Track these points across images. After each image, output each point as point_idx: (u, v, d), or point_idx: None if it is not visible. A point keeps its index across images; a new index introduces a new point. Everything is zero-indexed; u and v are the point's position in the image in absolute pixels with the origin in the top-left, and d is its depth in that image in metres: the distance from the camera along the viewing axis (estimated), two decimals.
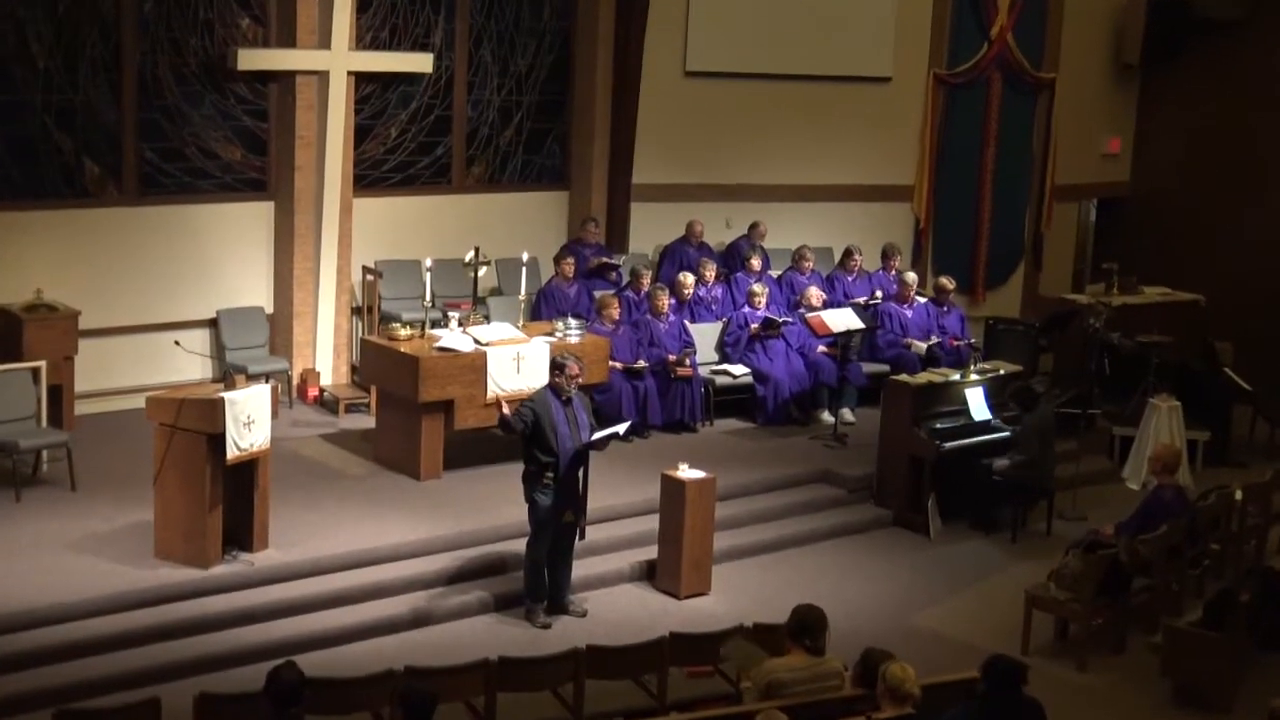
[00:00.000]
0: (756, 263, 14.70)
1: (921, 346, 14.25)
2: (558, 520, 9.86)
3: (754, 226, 15.44)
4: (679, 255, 15.19)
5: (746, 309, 14.08)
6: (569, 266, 14.12)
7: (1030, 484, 12.00)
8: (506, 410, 9.86)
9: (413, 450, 11.76)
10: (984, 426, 12.40)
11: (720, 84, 15.82)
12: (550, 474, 9.77)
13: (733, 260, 15.29)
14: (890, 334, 14.42)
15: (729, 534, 11.40)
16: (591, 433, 9.93)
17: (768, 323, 13.82)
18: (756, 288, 14.10)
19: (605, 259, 14.67)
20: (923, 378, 12.71)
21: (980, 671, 7.06)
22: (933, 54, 16.60)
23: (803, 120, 16.16)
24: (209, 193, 13.59)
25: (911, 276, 14.74)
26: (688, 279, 14.15)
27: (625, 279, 14.42)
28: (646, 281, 14.16)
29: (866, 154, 16.47)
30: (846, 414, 13.87)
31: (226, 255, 13.63)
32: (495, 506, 11.10)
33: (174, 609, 9.43)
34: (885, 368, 14.06)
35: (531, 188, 15.48)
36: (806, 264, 14.94)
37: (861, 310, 14.02)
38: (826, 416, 13.77)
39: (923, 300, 14.75)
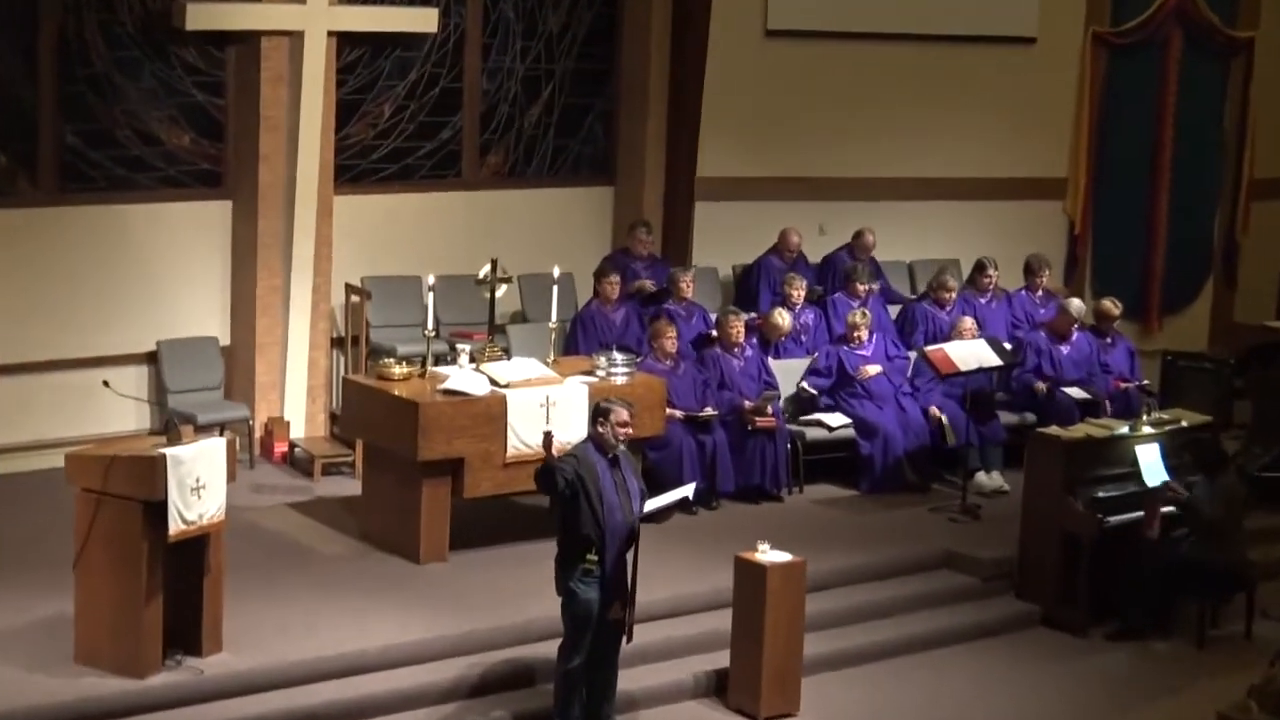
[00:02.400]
0: (863, 286, 14.63)
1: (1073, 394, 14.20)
2: (602, 618, 9.82)
3: (859, 236, 15.36)
4: (773, 273, 15.08)
5: (844, 348, 14.06)
6: (613, 286, 14.15)
7: (1217, 568, 11.89)
8: (554, 453, 9.73)
9: (410, 524, 11.78)
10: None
11: (811, 46, 15.82)
12: (594, 556, 9.73)
13: (831, 278, 15.27)
14: (1027, 373, 14.33)
15: (824, 636, 11.34)
16: (644, 501, 9.90)
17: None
18: (858, 317, 14.06)
19: (661, 285, 14.62)
20: (1079, 430, 12.64)
21: None
22: (1091, 7, 16.57)
23: (919, 94, 16.14)
24: (148, 189, 13.68)
25: (1077, 305, 14.54)
26: (784, 319, 14.11)
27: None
28: (687, 286, 14.16)
29: (1004, 138, 16.42)
30: (994, 478, 13.84)
31: (171, 270, 13.72)
32: (518, 599, 11.08)
33: None
34: (1030, 417, 14.04)
35: (565, 183, 15.52)
36: (948, 295, 14.77)
37: (1000, 345, 13.93)
38: (957, 480, 13.71)
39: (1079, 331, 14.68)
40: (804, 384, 13.92)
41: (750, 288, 15.31)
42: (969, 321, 14.14)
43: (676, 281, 14.25)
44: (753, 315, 14.41)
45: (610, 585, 9.77)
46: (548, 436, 9.73)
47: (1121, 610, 12.13)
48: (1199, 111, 16.98)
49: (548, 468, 9.60)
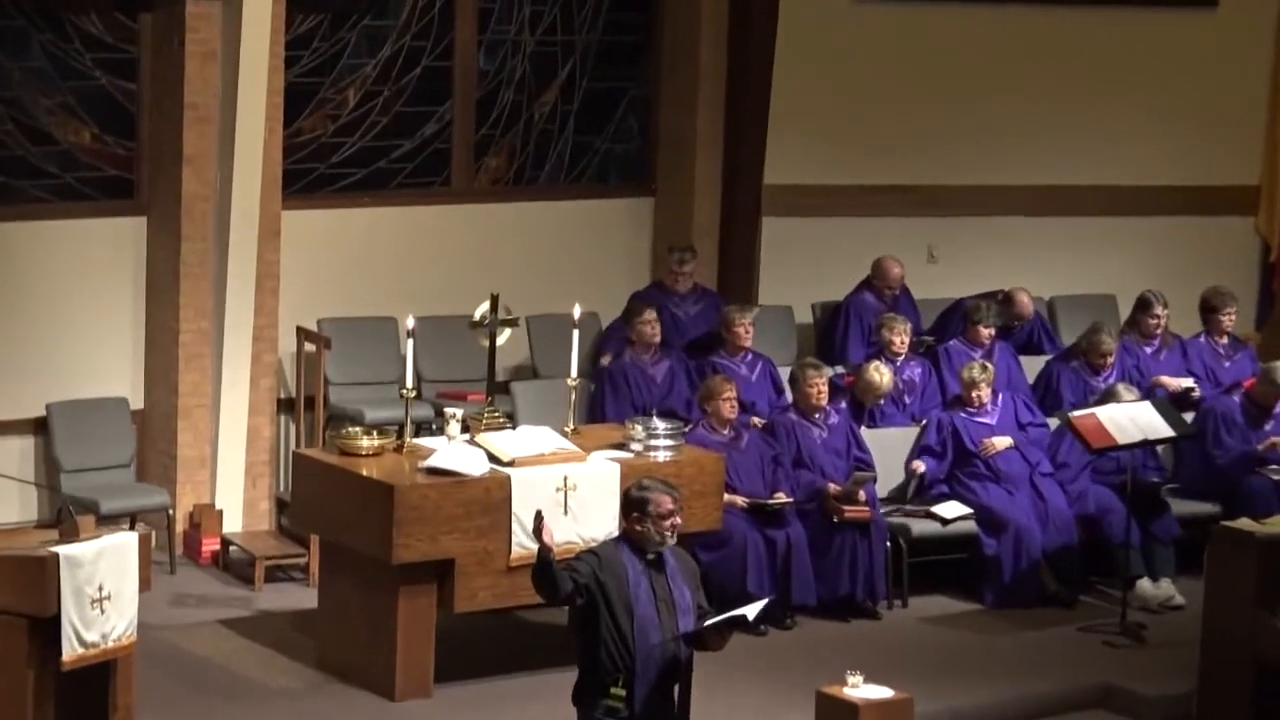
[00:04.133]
0: (987, 330, 14.62)
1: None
2: None
3: (1012, 301, 15.27)
4: (866, 316, 15.09)
5: (960, 415, 14.06)
6: (651, 326, 14.22)
7: None
8: (549, 541, 9.65)
9: (383, 648, 11.78)
10: None
11: (916, 14, 15.90)
12: (619, 690, 9.72)
13: (950, 326, 15.30)
14: (1229, 452, 14.25)
15: None
16: (699, 618, 9.88)
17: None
18: (975, 371, 14.05)
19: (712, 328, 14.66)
20: (1278, 524, 12.59)
21: None
22: None
23: (1058, 77, 16.19)
24: (39, 202, 13.76)
25: None
26: (882, 376, 14.12)
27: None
28: (744, 332, 14.23)
29: (1174, 134, 16.46)
30: (1163, 588, 13.86)
31: (67, 309, 13.78)
32: None
33: None
34: (1213, 508, 14.04)
35: (589, 193, 15.60)
36: (1104, 360, 14.73)
37: (1170, 410, 13.89)
38: (1115, 590, 13.66)
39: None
40: (918, 461, 13.93)
41: (836, 335, 15.34)
42: (1122, 386, 14.05)
43: (732, 325, 14.24)
44: (839, 371, 14.39)
45: None
46: (538, 518, 9.61)
47: None
48: None
49: (545, 565, 9.50)
